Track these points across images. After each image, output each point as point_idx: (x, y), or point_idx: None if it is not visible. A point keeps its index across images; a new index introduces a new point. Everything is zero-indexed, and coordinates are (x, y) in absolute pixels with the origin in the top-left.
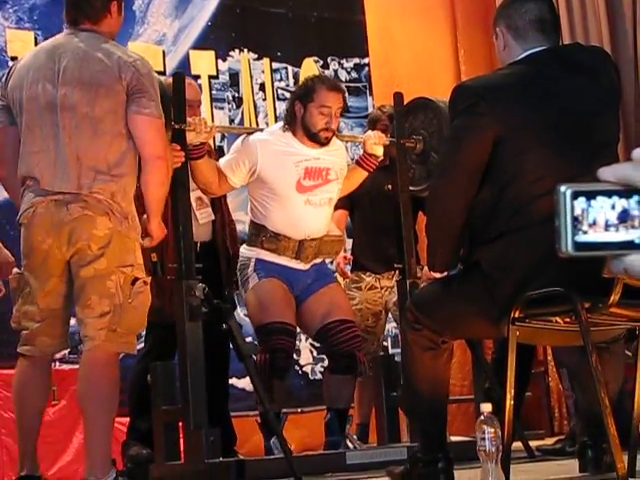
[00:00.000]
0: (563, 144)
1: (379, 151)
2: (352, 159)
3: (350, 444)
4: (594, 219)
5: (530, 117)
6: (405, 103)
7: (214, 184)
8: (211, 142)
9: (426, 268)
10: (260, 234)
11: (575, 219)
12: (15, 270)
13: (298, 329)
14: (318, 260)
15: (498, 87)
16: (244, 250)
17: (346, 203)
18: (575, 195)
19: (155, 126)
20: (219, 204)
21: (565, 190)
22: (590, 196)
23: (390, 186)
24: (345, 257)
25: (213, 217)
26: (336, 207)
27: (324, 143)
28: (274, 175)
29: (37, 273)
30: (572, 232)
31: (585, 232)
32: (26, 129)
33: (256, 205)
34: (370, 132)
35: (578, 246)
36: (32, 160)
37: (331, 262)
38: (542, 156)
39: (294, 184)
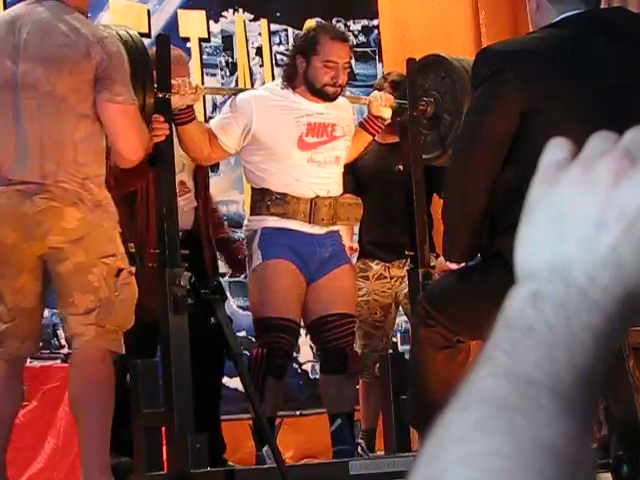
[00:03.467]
0: (600, 117)
1: (386, 113)
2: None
3: (361, 452)
4: None
5: (563, 86)
6: None
7: (205, 148)
8: (201, 112)
9: (441, 258)
10: (265, 198)
11: None
12: None
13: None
14: (335, 227)
15: (527, 52)
16: (248, 222)
17: (352, 186)
18: None
19: (129, 115)
20: (202, 189)
21: None
22: None
23: (401, 166)
24: (351, 247)
25: (195, 204)
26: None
27: (331, 98)
28: (272, 132)
29: (3, 269)
30: None
31: None
32: None
33: (252, 170)
34: (376, 92)
35: None
36: None
37: None
38: (576, 130)
39: (295, 141)
